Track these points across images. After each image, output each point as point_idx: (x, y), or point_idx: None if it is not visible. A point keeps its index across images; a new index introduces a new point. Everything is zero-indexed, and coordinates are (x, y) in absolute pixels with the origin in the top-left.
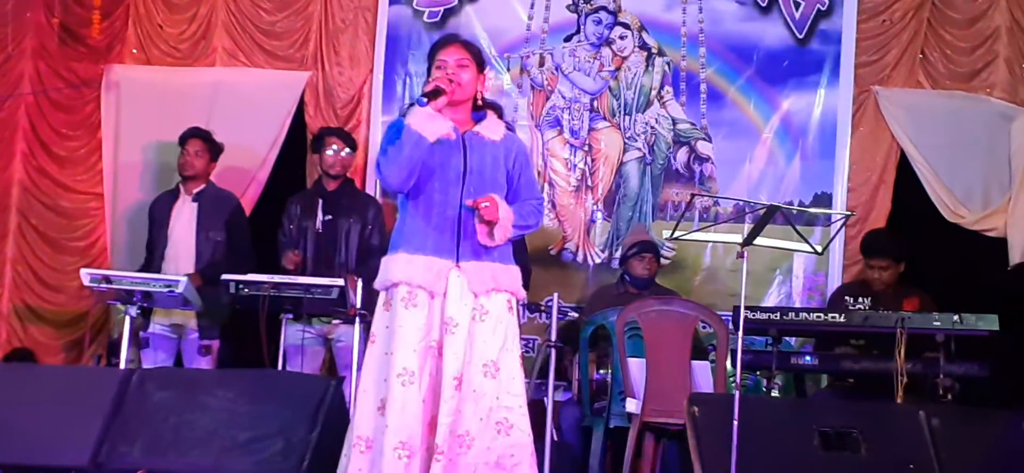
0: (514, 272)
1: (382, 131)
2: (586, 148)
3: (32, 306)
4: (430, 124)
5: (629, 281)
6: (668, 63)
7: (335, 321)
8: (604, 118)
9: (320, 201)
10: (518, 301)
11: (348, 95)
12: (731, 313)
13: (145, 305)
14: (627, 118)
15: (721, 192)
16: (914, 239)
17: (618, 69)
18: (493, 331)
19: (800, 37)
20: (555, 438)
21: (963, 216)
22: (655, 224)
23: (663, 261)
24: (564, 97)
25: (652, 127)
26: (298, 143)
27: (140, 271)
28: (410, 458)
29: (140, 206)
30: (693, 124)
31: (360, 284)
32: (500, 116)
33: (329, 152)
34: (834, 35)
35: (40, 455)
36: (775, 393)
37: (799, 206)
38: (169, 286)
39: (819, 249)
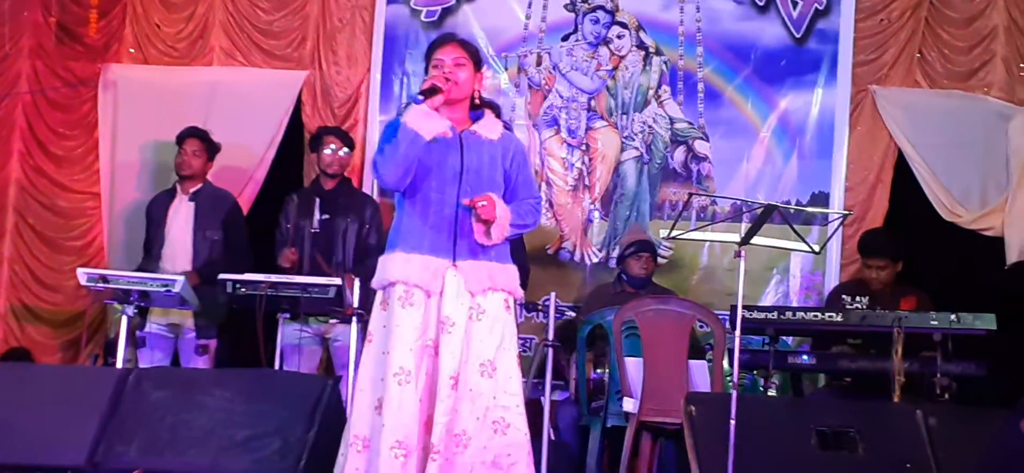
0: (511, 271)
1: (379, 130)
2: (583, 147)
3: (29, 305)
4: (426, 122)
5: (626, 280)
6: (665, 62)
7: (332, 320)
8: (602, 117)
9: (317, 200)
10: (515, 300)
11: (346, 94)
12: (728, 312)
13: (142, 304)
14: (624, 117)
15: (718, 191)
16: (911, 238)
17: (615, 68)
18: (490, 330)
19: (798, 36)
20: (552, 437)
21: (960, 215)
22: (652, 223)
23: (660, 260)
24: (561, 96)
25: (649, 126)
26: (295, 142)
27: (137, 270)
28: (406, 457)
29: (137, 205)
30: (691, 123)
31: (357, 283)
32: (498, 115)
33: (327, 151)
34: (832, 34)
35: (37, 455)
36: (772, 392)
37: (796, 205)
38: (166, 285)
39: (816, 248)
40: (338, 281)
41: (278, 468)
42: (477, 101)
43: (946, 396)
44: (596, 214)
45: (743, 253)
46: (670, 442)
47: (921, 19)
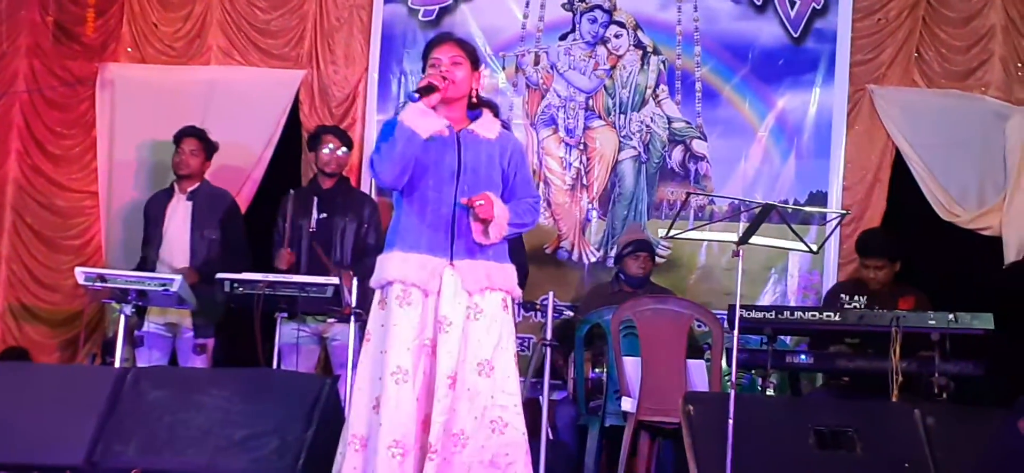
0: (509, 271)
1: (377, 130)
2: (581, 147)
3: (27, 305)
4: (423, 120)
5: (624, 280)
6: (663, 62)
7: (330, 320)
8: (599, 117)
9: (315, 199)
10: (513, 300)
11: (343, 94)
12: (726, 312)
13: (140, 304)
14: (622, 117)
15: (716, 191)
16: (909, 238)
17: (613, 68)
18: (487, 330)
19: (795, 36)
20: (551, 437)
21: (958, 215)
22: (650, 223)
23: (658, 260)
24: (559, 96)
25: (647, 126)
26: (293, 142)
27: (135, 270)
28: (404, 456)
29: (135, 205)
30: (688, 123)
31: (355, 282)
32: (496, 114)
33: (325, 150)
34: (829, 34)
35: (35, 454)
36: (770, 392)
37: (794, 205)
38: (164, 285)
39: (814, 248)
40: (335, 280)
41: (276, 467)
42: (474, 100)
43: (944, 395)
44: (594, 213)
45: (741, 252)
46: (668, 441)
47: (919, 18)
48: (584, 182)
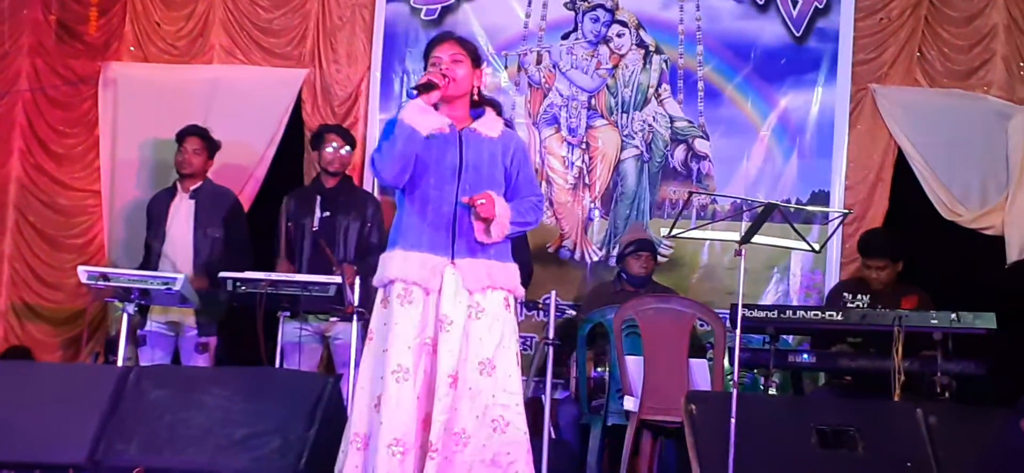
0: (511, 269)
1: (380, 129)
2: (584, 146)
3: (30, 304)
4: (423, 118)
5: (626, 279)
6: (665, 61)
7: (333, 318)
8: (602, 116)
9: (318, 198)
10: (516, 299)
11: (346, 93)
12: (729, 311)
13: (142, 303)
14: (625, 116)
15: (718, 190)
16: (912, 237)
17: (616, 67)
18: (489, 329)
19: (797, 35)
20: (553, 436)
21: (960, 214)
22: (653, 222)
23: (660, 259)
24: (561, 95)
25: (650, 125)
26: (296, 140)
27: (138, 269)
28: (404, 455)
29: (138, 204)
30: (691, 122)
31: (358, 281)
32: (499, 113)
33: (328, 149)
34: (831, 33)
35: (38, 453)
36: (772, 391)
37: (796, 204)
38: (167, 284)
39: (817, 247)
40: (338, 279)
41: (278, 466)
42: (476, 98)
43: (946, 395)
44: (596, 213)
45: (743, 252)
46: (670, 441)
47: (921, 18)
48: (586, 181)
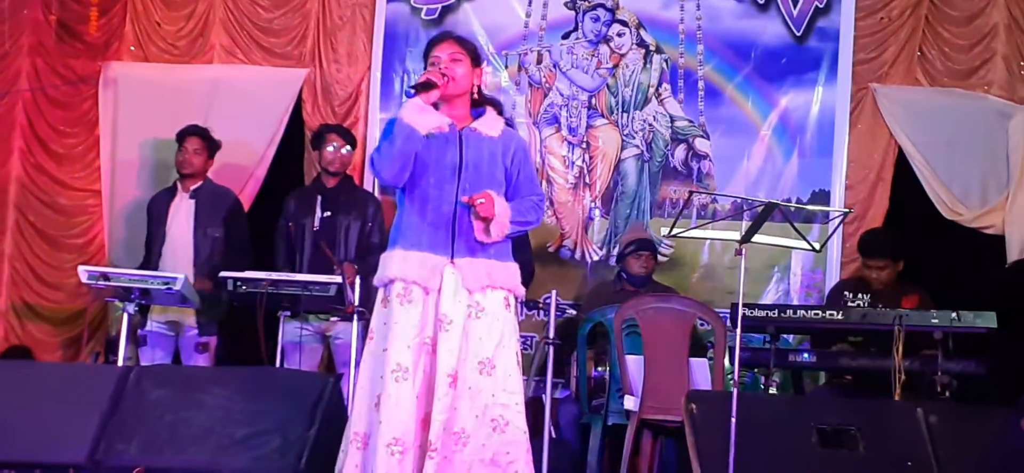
0: (511, 269)
1: (380, 128)
2: (584, 145)
3: (30, 303)
4: (421, 117)
5: (626, 278)
6: (666, 60)
7: (333, 318)
8: (602, 115)
9: (319, 198)
10: (516, 298)
11: (346, 92)
12: (729, 310)
13: (143, 302)
14: (625, 115)
15: (719, 189)
16: (912, 237)
17: (616, 66)
18: (489, 328)
19: (798, 34)
20: (553, 435)
21: (961, 213)
22: (653, 221)
23: (661, 258)
24: (562, 94)
25: (650, 124)
26: (296, 140)
27: (138, 268)
28: (403, 454)
29: (138, 203)
30: (691, 121)
31: (359, 280)
32: (500, 112)
33: (329, 149)
34: (832, 32)
35: (38, 452)
36: (773, 390)
37: (797, 203)
38: (167, 283)
39: (817, 246)
40: (338, 279)
41: (278, 466)
42: (476, 97)
43: (947, 394)
44: (597, 212)
45: (744, 251)
46: (671, 440)
47: (921, 17)
48: (587, 181)
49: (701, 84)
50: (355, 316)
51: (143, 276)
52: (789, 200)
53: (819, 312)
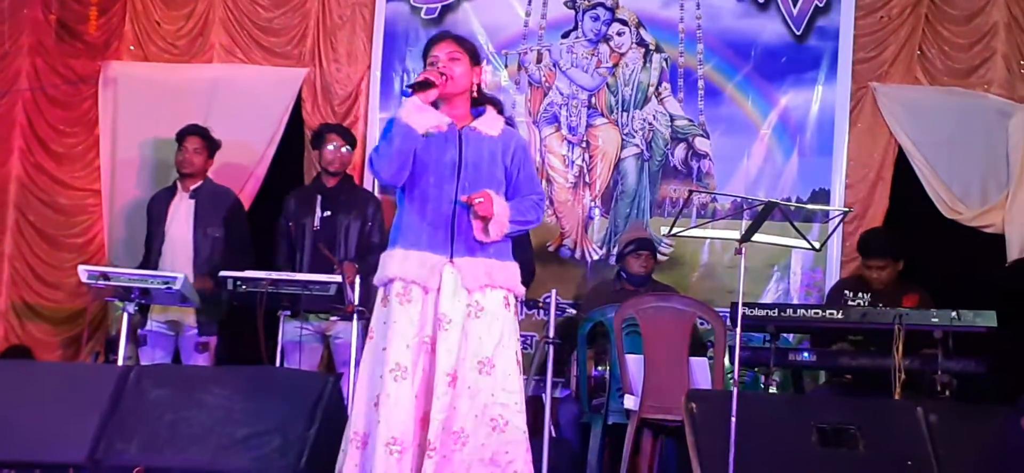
0: (511, 268)
1: (380, 128)
2: (584, 145)
3: (30, 303)
4: (419, 116)
5: (626, 278)
6: (666, 59)
7: (333, 318)
8: (602, 114)
9: (319, 197)
10: (516, 298)
11: (346, 92)
12: (729, 309)
13: (143, 302)
14: (625, 114)
15: (719, 188)
16: (912, 236)
17: (616, 66)
18: (488, 328)
19: (798, 33)
20: (553, 435)
21: (961, 212)
22: (653, 220)
23: (661, 257)
24: (562, 94)
25: (650, 123)
26: (296, 140)
27: (138, 268)
28: (402, 454)
29: (138, 203)
30: (691, 120)
31: (359, 279)
32: (500, 111)
33: (329, 148)
34: (832, 31)
35: (38, 452)
36: (773, 390)
37: (797, 203)
38: (167, 283)
39: (817, 245)
40: (338, 278)
41: (278, 465)
42: (475, 96)
43: (947, 393)
44: (596, 211)
45: (743, 250)
46: (671, 439)
47: (921, 16)
48: (586, 180)
49: (701, 83)
50: (355, 315)
51: (143, 276)
52: (789, 199)
53: (819, 311)
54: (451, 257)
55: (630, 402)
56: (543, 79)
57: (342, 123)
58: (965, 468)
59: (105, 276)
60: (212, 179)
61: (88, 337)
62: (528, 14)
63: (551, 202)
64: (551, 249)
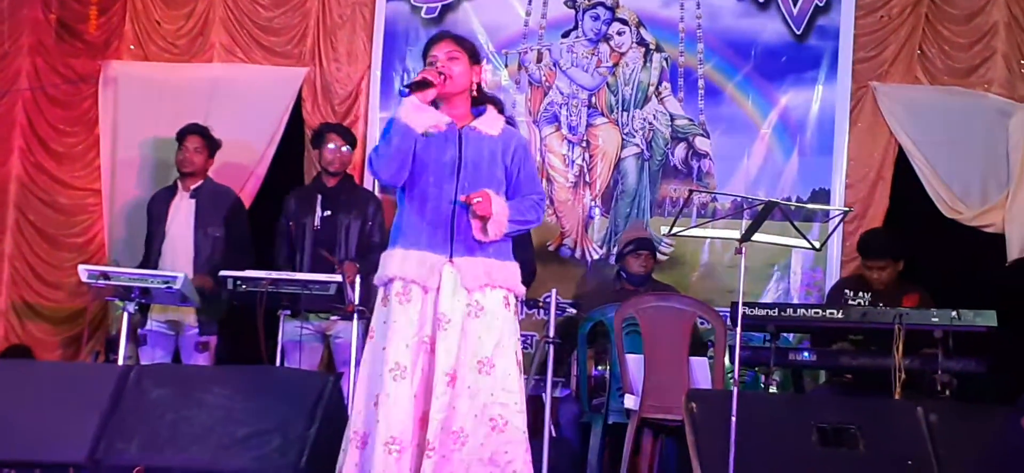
0: (511, 268)
1: (380, 127)
2: (584, 144)
3: (30, 302)
4: (418, 116)
5: (626, 278)
6: (666, 59)
7: (333, 317)
8: (602, 114)
9: (319, 197)
10: (516, 297)
11: (346, 91)
12: (729, 309)
13: (143, 301)
14: (625, 114)
15: (719, 188)
16: (912, 235)
17: (616, 65)
18: (488, 327)
19: (798, 33)
20: (553, 434)
21: (961, 212)
22: (653, 220)
23: (661, 257)
24: (562, 93)
25: (650, 123)
26: (296, 139)
27: (138, 268)
28: (401, 453)
29: (138, 202)
30: (691, 120)
31: (359, 279)
32: (501, 111)
33: (329, 148)
34: (832, 31)
35: (38, 451)
36: (773, 389)
37: (797, 202)
38: (167, 282)
39: (817, 245)
40: (339, 278)
41: (278, 465)
42: (475, 95)
43: (947, 393)
44: (597, 211)
45: (744, 250)
46: (671, 439)
47: (921, 15)
48: (587, 179)
49: (701, 83)
50: (355, 315)
51: (143, 275)
52: (789, 199)
53: (819, 311)
54: (451, 257)
55: (630, 402)
56: (543, 78)
57: (342, 123)
58: (965, 468)
59: (105, 275)
60: (212, 178)
61: (88, 337)
62: (528, 14)
63: (551, 201)
64: (551, 248)
